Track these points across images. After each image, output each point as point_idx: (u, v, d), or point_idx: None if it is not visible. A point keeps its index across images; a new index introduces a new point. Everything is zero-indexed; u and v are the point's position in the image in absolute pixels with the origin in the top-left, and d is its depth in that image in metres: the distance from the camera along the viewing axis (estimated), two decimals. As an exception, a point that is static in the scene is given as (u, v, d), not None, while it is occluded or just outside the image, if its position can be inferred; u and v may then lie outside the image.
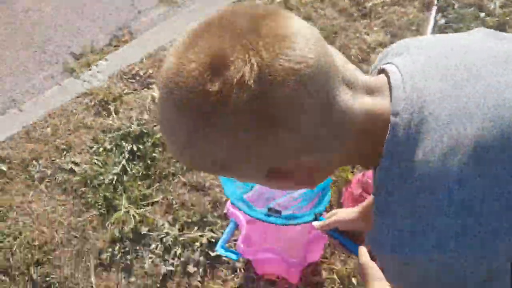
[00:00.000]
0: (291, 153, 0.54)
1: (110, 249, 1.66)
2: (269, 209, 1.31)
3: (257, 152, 0.52)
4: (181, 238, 1.67)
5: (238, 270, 1.59)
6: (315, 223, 1.23)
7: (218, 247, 1.39)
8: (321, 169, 0.61)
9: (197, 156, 0.54)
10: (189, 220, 1.72)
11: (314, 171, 0.59)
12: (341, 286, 1.54)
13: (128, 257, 1.64)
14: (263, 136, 0.50)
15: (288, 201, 1.41)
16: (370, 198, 1.13)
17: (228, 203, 1.42)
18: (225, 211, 1.42)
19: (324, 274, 1.57)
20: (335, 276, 1.55)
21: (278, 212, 1.31)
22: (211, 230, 1.69)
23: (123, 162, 1.88)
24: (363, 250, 1.04)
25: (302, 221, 1.28)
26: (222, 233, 1.67)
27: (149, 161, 1.90)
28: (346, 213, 1.15)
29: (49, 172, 1.89)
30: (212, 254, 1.63)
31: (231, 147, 0.52)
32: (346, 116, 0.55)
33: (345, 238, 1.17)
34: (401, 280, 0.64)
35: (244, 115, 0.49)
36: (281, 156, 0.53)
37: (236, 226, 1.40)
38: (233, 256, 1.37)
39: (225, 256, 1.49)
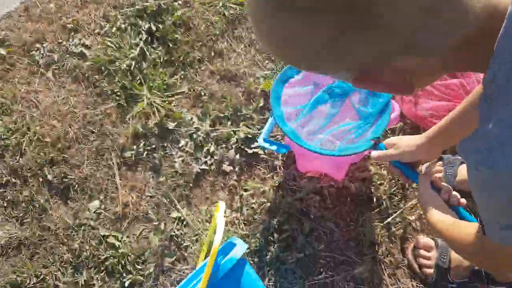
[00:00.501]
0: (387, 54, 0.49)
1: (134, 146, 1.48)
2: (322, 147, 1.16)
3: (352, 50, 0.48)
4: (213, 134, 1.47)
5: (277, 168, 1.41)
6: (374, 154, 1.11)
7: (260, 140, 1.21)
8: (419, 74, 0.55)
9: (293, 46, 0.51)
10: (221, 114, 1.51)
11: (411, 74, 0.54)
12: (392, 181, 1.36)
13: (155, 155, 1.46)
14: (360, 34, 0.46)
15: (340, 132, 1.21)
16: (435, 127, 1.02)
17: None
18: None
19: (373, 169, 1.39)
20: (384, 172, 1.38)
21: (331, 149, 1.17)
22: (246, 126, 1.48)
23: (141, 44, 1.61)
24: (423, 179, 1.03)
25: (359, 150, 1.12)
26: (259, 128, 1.47)
27: (170, 44, 1.63)
28: (407, 144, 1.05)
29: (55, 56, 1.64)
30: (249, 151, 1.44)
31: (326, 45, 0.48)
32: (453, 13, 0.47)
33: (404, 166, 1.07)
34: (491, 198, 0.56)
35: (345, 13, 0.44)
36: (375, 56, 0.50)
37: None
38: (281, 149, 1.19)
39: (271, 150, 1.32)
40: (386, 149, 1.09)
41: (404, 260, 1.30)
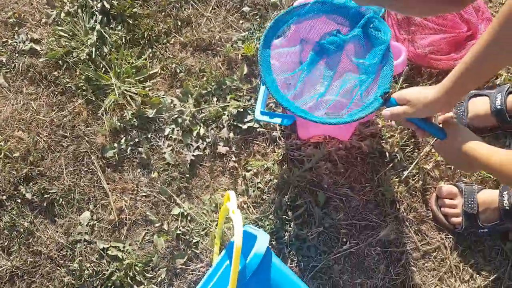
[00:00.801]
0: None
1: (114, 144, 1.33)
2: (328, 114, 1.06)
3: None
4: (200, 116, 1.33)
5: (277, 140, 1.30)
6: (385, 113, 1.01)
7: (257, 114, 1.08)
8: None
9: None
10: (204, 91, 1.36)
11: None
12: (403, 132, 1.27)
13: (141, 149, 1.32)
14: None
15: (345, 92, 1.09)
16: (451, 75, 0.91)
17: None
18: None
19: (380, 122, 1.29)
20: (392, 123, 1.28)
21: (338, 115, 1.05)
22: (235, 99, 1.35)
23: (97, 27, 1.42)
24: (456, 128, 0.97)
25: (370, 111, 1.00)
26: (249, 99, 1.34)
27: (130, 21, 1.45)
28: (421, 101, 0.95)
29: (3, 59, 1.44)
30: (243, 126, 1.32)
31: None
32: None
33: (420, 120, 1.00)
34: None
35: None
36: None
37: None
38: (286, 121, 1.07)
39: (273, 123, 1.20)
40: (397, 104, 0.99)
41: (428, 213, 1.23)
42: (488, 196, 1.16)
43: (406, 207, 1.23)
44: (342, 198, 1.24)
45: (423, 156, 1.26)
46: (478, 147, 0.90)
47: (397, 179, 1.24)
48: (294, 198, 1.23)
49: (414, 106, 0.96)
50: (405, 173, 1.24)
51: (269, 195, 1.25)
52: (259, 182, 1.27)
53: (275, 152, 1.30)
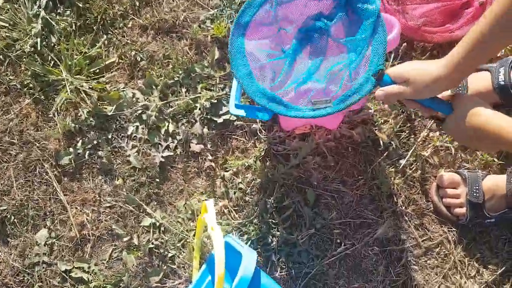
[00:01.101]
0: None
1: (70, 149, 1.17)
2: (315, 103, 0.88)
3: None
4: (168, 110, 1.17)
5: (258, 133, 1.16)
6: (379, 93, 0.87)
7: (232, 108, 0.94)
8: None
9: None
10: (171, 81, 1.20)
11: None
12: (398, 117, 1.15)
13: (101, 153, 1.16)
14: None
15: (332, 75, 0.93)
16: (458, 48, 0.79)
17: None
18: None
19: (371, 107, 1.16)
20: (385, 106, 1.15)
21: (326, 101, 0.88)
22: (207, 88, 1.19)
23: (42, 13, 1.23)
24: (466, 100, 0.83)
25: (361, 95, 0.86)
26: (223, 87, 1.19)
27: (79, 4, 1.26)
28: (422, 79, 0.82)
29: None
30: (219, 120, 1.17)
31: None
32: None
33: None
34: None
35: None
36: None
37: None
38: (264, 115, 0.91)
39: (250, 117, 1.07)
40: (392, 83, 0.86)
41: (429, 205, 1.12)
42: (494, 182, 1.05)
43: (404, 200, 1.11)
44: (334, 194, 1.12)
45: (420, 142, 1.15)
46: (488, 118, 0.79)
47: (393, 169, 1.13)
48: (281, 199, 1.10)
49: (414, 85, 0.82)
50: (402, 162, 1.13)
51: (252, 197, 1.12)
52: (240, 183, 1.13)
53: (257, 147, 1.16)
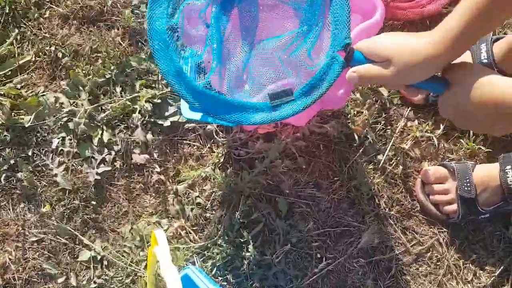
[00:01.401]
0: None
1: (-21, 173, 0.92)
2: (273, 96, 0.69)
3: None
4: (100, 116, 0.96)
5: (214, 135, 0.98)
6: (351, 76, 0.68)
7: (185, 112, 0.76)
8: None
9: None
10: (101, 79, 0.99)
11: None
12: (373, 107, 1.01)
13: (20, 175, 0.93)
14: None
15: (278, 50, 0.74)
16: (455, 15, 0.63)
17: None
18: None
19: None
20: (357, 95, 1.01)
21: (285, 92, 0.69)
22: (147, 85, 0.99)
23: None
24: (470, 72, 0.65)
25: (330, 81, 0.68)
26: (168, 85, 0.99)
27: (-22, -9, 1.01)
28: (409, 59, 0.64)
29: None
30: (165, 123, 0.98)
31: None
32: None
33: None
34: None
35: None
36: None
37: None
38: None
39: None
40: (366, 61, 0.68)
41: (414, 204, 0.99)
42: (485, 173, 0.94)
43: (387, 201, 0.98)
44: (308, 201, 0.96)
45: (398, 134, 1.02)
46: (506, 87, 0.62)
47: (372, 167, 0.99)
48: (248, 212, 0.93)
49: (399, 67, 0.65)
50: (381, 157, 0.99)
51: (213, 213, 0.94)
52: (198, 197, 0.95)
53: (214, 152, 0.98)
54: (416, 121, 1.02)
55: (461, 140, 1.01)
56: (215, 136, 0.98)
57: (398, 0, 1.06)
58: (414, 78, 0.67)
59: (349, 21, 0.68)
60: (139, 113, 0.97)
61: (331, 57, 0.68)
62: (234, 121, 0.67)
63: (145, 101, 0.97)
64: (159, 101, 0.98)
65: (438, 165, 0.99)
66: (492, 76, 0.63)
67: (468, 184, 0.93)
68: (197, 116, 0.77)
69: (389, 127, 1.02)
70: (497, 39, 0.98)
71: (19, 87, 0.99)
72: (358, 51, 0.68)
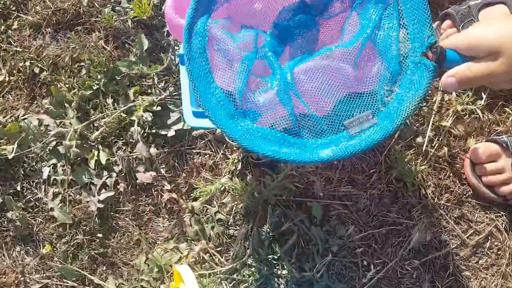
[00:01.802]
0: None
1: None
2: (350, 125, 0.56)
3: None
4: (94, 135, 0.84)
5: (226, 139, 0.86)
6: (449, 81, 0.53)
7: (189, 119, 0.65)
8: None
9: None
10: (88, 92, 0.86)
11: None
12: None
13: (11, 214, 0.82)
14: None
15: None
16: None
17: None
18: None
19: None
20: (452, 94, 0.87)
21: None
22: (143, 92, 0.86)
23: None
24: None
25: (421, 92, 0.52)
26: (164, 86, 0.86)
27: None
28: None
29: None
30: (169, 132, 0.85)
31: None
32: None
33: None
34: None
35: None
36: None
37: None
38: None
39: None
40: (462, 60, 0.54)
41: (466, 188, 0.87)
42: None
43: (435, 189, 0.86)
44: (345, 201, 0.84)
45: (436, 110, 0.88)
46: None
47: (412, 152, 0.86)
48: (278, 223, 0.81)
49: (508, 56, 0.51)
50: (422, 140, 0.86)
51: (238, 229, 0.82)
52: (218, 212, 0.83)
53: (229, 159, 0.85)
54: (454, 93, 0.90)
55: (507, 108, 0.89)
56: (228, 140, 0.86)
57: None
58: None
59: (429, 16, 0.54)
60: (137, 125, 0.84)
61: (414, 63, 0.54)
62: (303, 161, 0.54)
63: (143, 111, 0.84)
64: (158, 108, 0.85)
65: (486, 141, 0.87)
66: None
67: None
68: (205, 122, 0.64)
69: (424, 104, 0.89)
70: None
71: (-5, 113, 0.86)
72: (450, 50, 0.54)
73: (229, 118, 0.54)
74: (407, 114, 0.53)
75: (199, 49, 0.54)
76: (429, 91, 0.90)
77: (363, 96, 0.59)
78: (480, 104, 0.89)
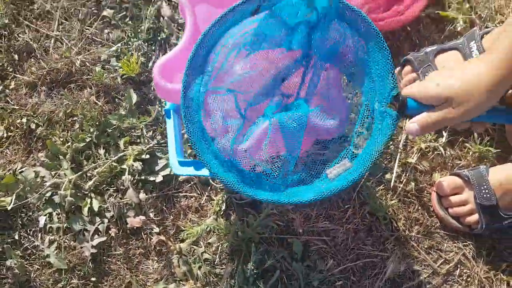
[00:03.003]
0: None
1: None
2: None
3: None
4: (87, 184, 0.91)
5: (211, 181, 0.93)
6: (411, 128, 0.65)
7: (176, 167, 0.73)
8: None
9: None
10: (81, 144, 0.94)
11: None
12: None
13: (10, 262, 0.88)
14: None
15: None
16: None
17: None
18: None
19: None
20: (352, 115, 0.97)
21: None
22: (132, 142, 0.94)
23: None
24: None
25: (385, 138, 0.64)
26: (152, 135, 0.94)
27: None
28: (469, 91, 0.61)
29: None
30: (157, 178, 0.92)
31: None
32: None
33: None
34: None
35: None
36: None
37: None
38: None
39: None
40: (421, 108, 0.65)
41: (434, 220, 0.95)
42: (502, 175, 0.91)
43: (405, 222, 0.94)
44: (323, 237, 0.91)
45: (402, 148, 0.97)
46: None
47: (382, 188, 0.94)
48: (261, 260, 0.88)
49: (462, 104, 0.62)
50: (390, 176, 0.95)
51: (224, 267, 0.88)
52: (204, 252, 0.89)
53: (213, 200, 0.93)
54: (418, 132, 0.99)
55: (467, 144, 0.98)
56: (212, 183, 0.93)
57: (375, 11, 1.03)
58: (482, 110, 0.63)
59: (393, 70, 0.64)
60: (128, 173, 0.91)
61: (381, 113, 0.64)
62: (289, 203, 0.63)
63: (133, 160, 0.92)
64: (147, 156, 0.93)
65: (450, 175, 0.95)
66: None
67: (486, 191, 0.89)
68: (190, 170, 0.72)
69: (391, 143, 0.98)
70: (484, 34, 0.96)
71: (-6, 167, 0.93)
72: (411, 99, 0.65)
73: (222, 167, 0.63)
74: (377, 157, 0.62)
75: (195, 111, 0.63)
76: (395, 131, 0.99)
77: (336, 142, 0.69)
78: (441, 142, 0.98)
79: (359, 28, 0.65)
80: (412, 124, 0.65)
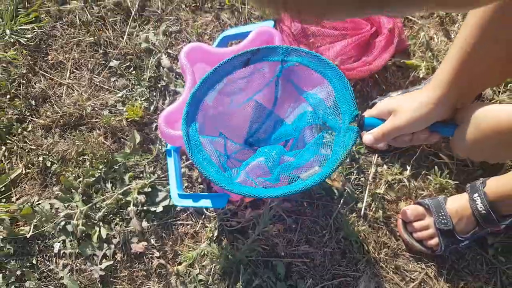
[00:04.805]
0: None
1: (-13, 290, 0.98)
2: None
3: None
4: (97, 214, 1.05)
5: (205, 211, 1.07)
6: (367, 138, 0.83)
7: (176, 199, 0.87)
8: None
9: None
10: (91, 179, 1.09)
11: None
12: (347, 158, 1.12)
13: (28, 284, 1.01)
14: None
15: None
16: (450, 61, 0.78)
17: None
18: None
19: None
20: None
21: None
22: (136, 177, 1.09)
23: None
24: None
25: (348, 147, 0.76)
26: (153, 170, 1.09)
27: (-37, 116, 1.11)
28: (412, 106, 0.79)
29: None
30: (158, 209, 1.07)
31: None
32: None
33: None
34: None
35: None
36: None
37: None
38: (218, 203, 0.83)
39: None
40: (376, 124, 0.83)
41: (399, 244, 1.09)
42: (457, 204, 1.06)
43: (375, 245, 1.08)
44: (304, 259, 1.05)
45: (372, 180, 1.13)
46: (510, 111, 0.71)
47: (355, 215, 1.09)
48: (249, 280, 1.02)
49: (404, 113, 0.79)
50: (361, 205, 1.10)
51: (216, 287, 1.01)
52: (199, 274, 1.03)
53: (207, 227, 1.07)
54: (385, 166, 1.15)
55: (429, 176, 1.14)
56: (206, 212, 1.08)
57: (346, 62, 1.21)
58: (424, 120, 0.79)
59: (353, 98, 0.79)
60: (133, 205, 1.06)
61: (345, 129, 0.79)
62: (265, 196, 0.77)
63: (137, 193, 1.06)
64: (149, 189, 1.08)
65: (414, 204, 1.10)
66: (494, 106, 0.74)
67: (444, 217, 1.05)
68: (188, 202, 0.87)
69: (362, 176, 1.14)
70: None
71: (14, 201, 1.07)
72: (367, 117, 0.82)
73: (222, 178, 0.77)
74: (340, 162, 0.75)
75: (196, 146, 0.78)
76: (365, 165, 1.15)
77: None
78: (406, 174, 1.14)
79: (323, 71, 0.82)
80: (367, 135, 0.83)
